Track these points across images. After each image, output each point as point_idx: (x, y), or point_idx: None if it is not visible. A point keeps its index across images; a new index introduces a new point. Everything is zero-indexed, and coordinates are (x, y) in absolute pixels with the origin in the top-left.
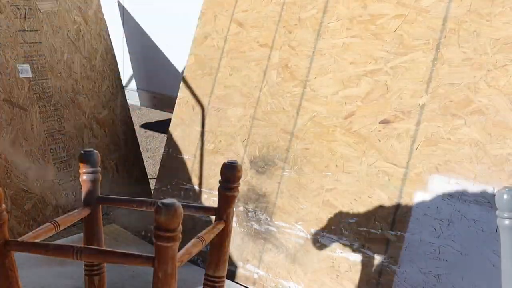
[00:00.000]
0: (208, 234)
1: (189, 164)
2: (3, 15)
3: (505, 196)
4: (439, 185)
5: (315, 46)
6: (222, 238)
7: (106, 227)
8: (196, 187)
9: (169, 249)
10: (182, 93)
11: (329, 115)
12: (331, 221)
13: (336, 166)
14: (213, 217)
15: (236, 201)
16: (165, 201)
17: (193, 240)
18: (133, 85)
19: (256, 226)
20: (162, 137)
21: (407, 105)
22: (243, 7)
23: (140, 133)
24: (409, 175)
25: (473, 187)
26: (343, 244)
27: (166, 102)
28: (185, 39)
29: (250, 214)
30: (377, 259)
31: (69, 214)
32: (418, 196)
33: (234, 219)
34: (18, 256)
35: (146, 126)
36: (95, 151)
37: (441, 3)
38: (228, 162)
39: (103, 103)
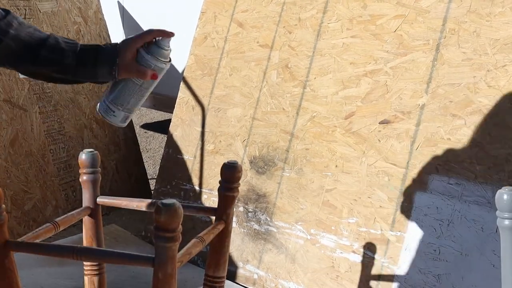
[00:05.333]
0: (208, 235)
1: (189, 165)
2: None
3: (505, 196)
4: (439, 185)
5: (315, 46)
6: (222, 238)
7: (106, 227)
8: (196, 188)
9: (169, 250)
10: (182, 94)
11: (329, 115)
12: (331, 221)
13: (336, 166)
14: (213, 218)
15: (236, 201)
16: (165, 201)
17: (193, 241)
18: None
19: (256, 226)
20: (162, 138)
21: (407, 106)
22: (243, 7)
23: (140, 133)
24: (409, 175)
25: (473, 187)
26: (343, 245)
27: (166, 103)
28: (185, 39)
29: (250, 214)
30: (377, 259)
31: (69, 215)
32: (418, 197)
33: (234, 219)
34: (18, 257)
35: (146, 126)
36: (95, 152)
37: (441, 3)
38: (228, 162)
39: None
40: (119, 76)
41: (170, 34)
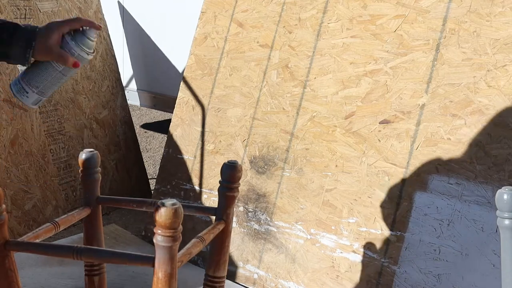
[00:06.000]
0: (208, 234)
1: (189, 164)
2: (3, 15)
3: (505, 196)
4: (439, 185)
5: (315, 46)
6: (222, 238)
7: (106, 227)
8: (196, 187)
9: (169, 249)
10: (182, 93)
11: (329, 115)
12: (331, 221)
13: (336, 166)
14: (213, 217)
15: (236, 201)
16: (165, 201)
17: (193, 240)
18: (133, 85)
19: (256, 226)
20: (162, 137)
21: (407, 105)
22: (243, 7)
23: (140, 133)
24: (409, 175)
25: (473, 187)
26: (343, 244)
27: (166, 102)
28: (185, 39)
29: (250, 214)
30: (377, 259)
31: (69, 214)
32: (418, 196)
33: (234, 219)
34: (18, 256)
35: (146, 126)
36: (95, 152)
37: (441, 3)
38: (228, 162)
39: (103, 103)
40: (38, 58)
41: (98, 27)
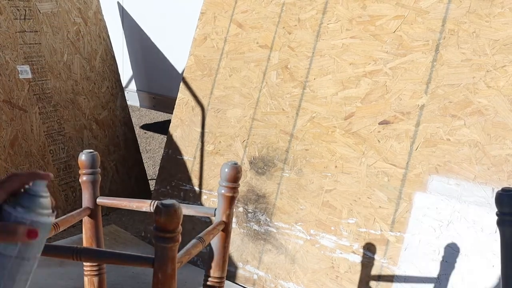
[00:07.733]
0: (208, 235)
1: (188, 165)
2: (3, 16)
3: (505, 197)
4: (439, 185)
5: (314, 47)
6: (222, 239)
7: (106, 227)
8: (196, 188)
9: (169, 250)
10: (182, 94)
11: (329, 116)
12: (330, 222)
13: (336, 167)
14: (213, 218)
15: (235, 202)
16: (164, 202)
17: (193, 241)
18: (132, 86)
19: (255, 227)
20: (162, 138)
21: (407, 106)
22: (243, 8)
23: (140, 134)
24: (409, 175)
25: (473, 188)
26: (342, 245)
27: (165, 103)
28: (185, 40)
29: (249, 215)
30: (377, 259)
31: (69, 215)
32: (418, 197)
33: (234, 220)
34: None
35: (146, 127)
36: (95, 152)
37: (440, 4)
38: (227, 163)
39: (102, 104)
40: None
41: (45, 176)
